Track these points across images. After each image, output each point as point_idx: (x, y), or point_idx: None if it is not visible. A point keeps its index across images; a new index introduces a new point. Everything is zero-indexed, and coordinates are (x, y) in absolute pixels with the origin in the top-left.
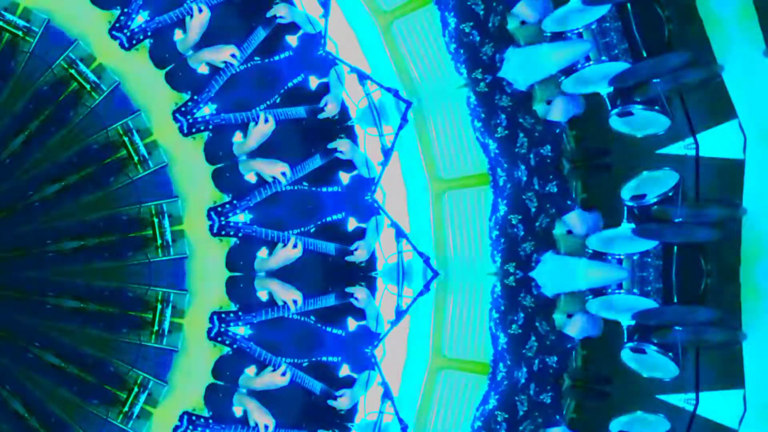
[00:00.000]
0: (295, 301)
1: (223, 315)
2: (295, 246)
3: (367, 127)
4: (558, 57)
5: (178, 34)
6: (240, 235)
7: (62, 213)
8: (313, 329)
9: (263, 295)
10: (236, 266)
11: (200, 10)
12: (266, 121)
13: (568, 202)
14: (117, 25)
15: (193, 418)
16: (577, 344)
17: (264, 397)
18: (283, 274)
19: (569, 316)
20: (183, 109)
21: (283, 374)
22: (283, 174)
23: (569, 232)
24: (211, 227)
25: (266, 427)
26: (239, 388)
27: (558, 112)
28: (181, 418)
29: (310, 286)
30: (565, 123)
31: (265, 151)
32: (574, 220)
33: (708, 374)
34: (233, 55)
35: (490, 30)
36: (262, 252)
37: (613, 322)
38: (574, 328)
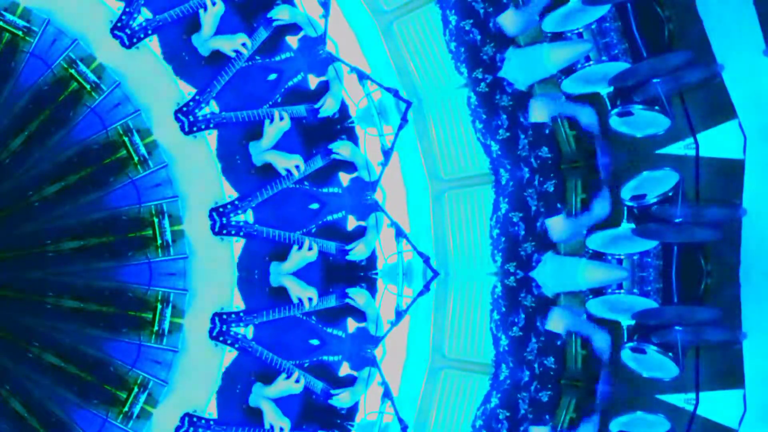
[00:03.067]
0: (310, 299)
1: (224, 316)
2: (310, 249)
3: (367, 127)
4: (558, 57)
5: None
6: (242, 234)
7: (62, 213)
8: (314, 329)
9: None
10: (239, 266)
11: (213, 3)
12: (281, 118)
13: (558, 205)
14: (119, 24)
15: (194, 419)
16: (565, 341)
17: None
18: None
19: None
20: (185, 108)
21: (297, 381)
22: (297, 167)
23: None
24: (212, 226)
25: (282, 429)
26: (252, 395)
27: (538, 112)
28: (182, 419)
29: (311, 286)
30: (550, 122)
31: None
32: (555, 225)
33: (708, 374)
34: (244, 44)
35: (491, 29)
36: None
37: (613, 322)
38: (558, 323)
